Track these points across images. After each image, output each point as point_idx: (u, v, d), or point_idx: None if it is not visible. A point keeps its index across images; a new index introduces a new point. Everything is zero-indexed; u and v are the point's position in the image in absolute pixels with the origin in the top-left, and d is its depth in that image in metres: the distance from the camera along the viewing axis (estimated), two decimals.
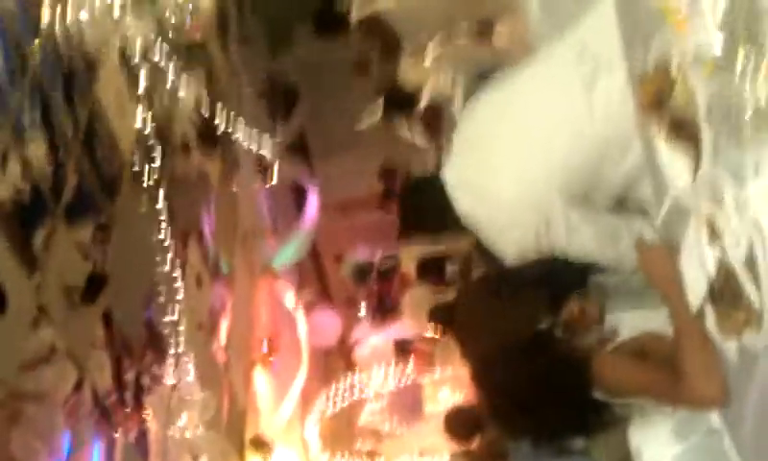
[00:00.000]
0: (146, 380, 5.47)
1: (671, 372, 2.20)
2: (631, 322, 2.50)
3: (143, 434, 5.34)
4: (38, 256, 4.20)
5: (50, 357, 4.37)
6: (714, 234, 1.97)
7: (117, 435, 4.83)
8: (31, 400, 4.08)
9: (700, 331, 2.12)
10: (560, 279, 2.81)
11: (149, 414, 5.42)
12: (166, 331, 5.71)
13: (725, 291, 1.97)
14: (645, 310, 2.52)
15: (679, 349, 2.19)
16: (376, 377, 9.37)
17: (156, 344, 5.66)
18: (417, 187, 3.83)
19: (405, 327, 9.39)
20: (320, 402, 9.00)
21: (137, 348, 5.32)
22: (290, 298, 8.82)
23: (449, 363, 8.42)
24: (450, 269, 7.14)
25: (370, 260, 8.85)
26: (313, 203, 9.40)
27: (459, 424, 6.22)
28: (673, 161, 2.11)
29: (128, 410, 5.11)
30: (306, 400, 8.97)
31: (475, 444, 6.24)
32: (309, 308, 9.41)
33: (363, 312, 9.59)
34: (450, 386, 8.75)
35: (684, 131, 2.05)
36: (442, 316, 6.47)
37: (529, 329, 2.49)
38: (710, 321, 2.08)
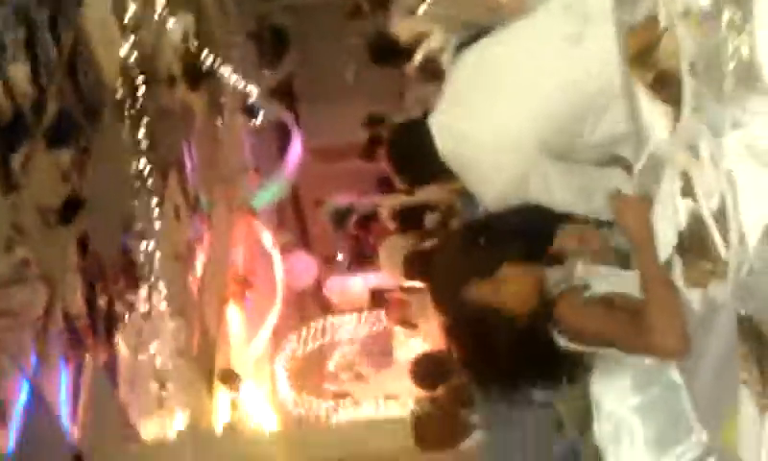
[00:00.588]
0: (118, 307, 5.55)
1: (636, 322, 2.24)
2: (603, 279, 2.54)
3: (113, 360, 5.42)
4: (16, 176, 4.25)
5: (22, 277, 4.44)
6: (688, 186, 2.01)
7: (86, 359, 4.90)
8: (1, 319, 4.14)
9: (666, 282, 2.16)
10: (538, 230, 2.85)
11: (119, 340, 5.51)
12: (141, 260, 5.77)
13: (694, 242, 2.01)
14: (618, 271, 2.59)
15: (645, 297, 2.23)
16: (349, 322, 9.46)
17: (131, 271, 5.72)
18: (405, 132, 3.89)
19: (382, 277, 9.48)
20: (291, 342, 9.10)
21: (111, 274, 5.38)
22: (268, 238, 8.89)
23: (424, 316, 8.50)
24: (430, 218, 7.13)
25: (349, 205, 8.87)
26: (296, 146, 9.44)
27: (425, 370, 6.24)
28: (654, 113, 2.16)
29: (98, 335, 5.19)
30: (278, 339, 9.07)
31: (441, 390, 6.31)
32: (286, 250, 9.48)
33: (340, 257, 9.65)
34: (422, 336, 8.85)
35: (667, 83, 2.09)
36: (417, 264, 6.50)
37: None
38: (677, 272, 2.12)
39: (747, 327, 1.90)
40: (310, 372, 9.94)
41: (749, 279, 1.91)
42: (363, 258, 9.60)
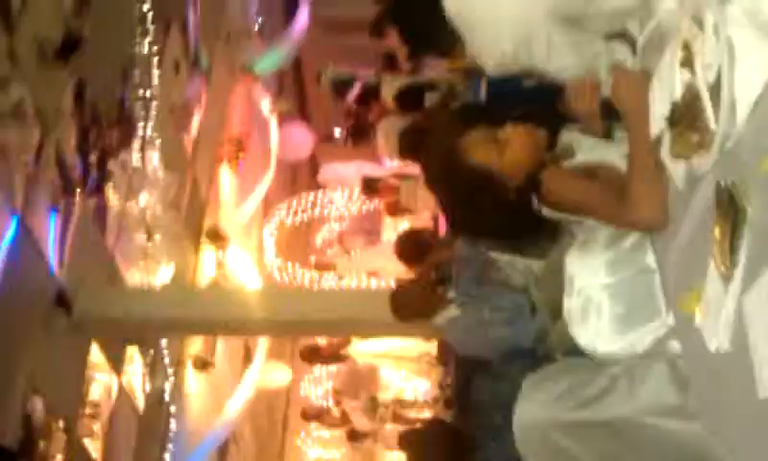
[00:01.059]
0: (111, 155, 5.53)
1: (617, 192, 2.26)
2: (589, 149, 2.57)
3: (102, 207, 5.44)
4: (16, 10, 4.17)
5: (17, 114, 4.41)
6: (688, 57, 1.98)
7: (76, 204, 4.92)
8: None
9: (653, 157, 2.17)
10: (533, 121, 2.83)
11: (110, 188, 5.51)
12: (137, 110, 5.73)
13: (685, 114, 1.99)
14: (606, 141, 2.61)
15: (629, 170, 2.25)
16: (340, 198, 9.48)
17: (126, 121, 5.69)
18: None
19: (375, 167, 9.47)
20: (281, 211, 9.13)
21: (106, 122, 5.35)
22: (266, 104, 8.82)
23: (413, 202, 8.53)
24: (430, 97, 7.08)
25: (352, 75, 8.76)
26: (304, 14, 9.27)
27: (409, 244, 6.30)
28: None
29: (89, 181, 5.19)
30: (268, 206, 9.11)
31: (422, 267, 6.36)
32: (284, 119, 9.42)
33: (337, 132, 9.60)
34: (410, 221, 8.91)
35: None
36: (412, 139, 6.48)
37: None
38: (665, 146, 2.11)
39: (725, 201, 1.88)
40: (297, 242, 10.03)
41: (731, 152, 1.90)
42: (360, 135, 9.54)
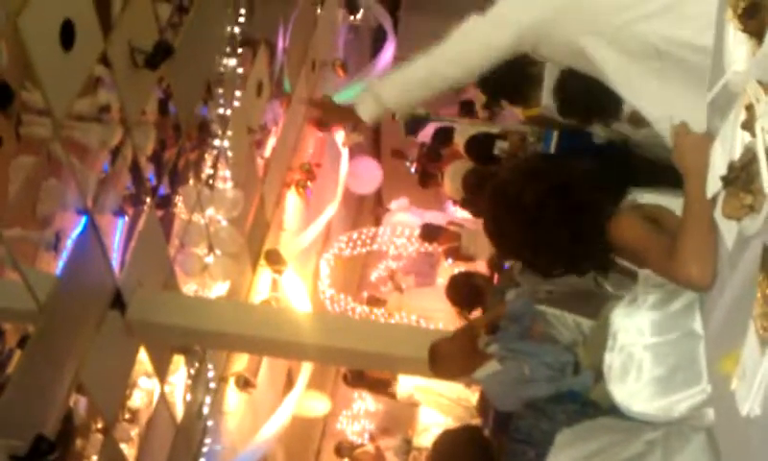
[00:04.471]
0: (184, 167, 5.63)
1: (671, 244, 2.26)
2: (651, 198, 2.59)
3: (170, 216, 5.53)
4: (115, 15, 4.28)
5: (102, 116, 4.51)
6: (750, 119, 1.99)
7: (145, 209, 5.00)
8: (74, 151, 4.22)
9: (707, 215, 2.17)
10: (601, 177, 2.83)
11: (179, 198, 5.60)
12: (215, 125, 5.82)
13: (741, 175, 1.99)
14: (666, 195, 2.63)
15: (682, 226, 2.25)
16: (399, 238, 9.50)
17: (203, 135, 5.79)
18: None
19: (437, 215, 9.49)
20: (340, 242, 9.17)
21: (185, 134, 5.45)
22: (340, 135, 8.90)
23: (473, 249, 8.50)
24: (500, 147, 7.10)
25: (427, 114, 8.81)
26: (389, 51, 9.37)
27: (461, 287, 6.27)
28: (737, 45, 2.11)
29: (160, 190, 5.28)
30: (329, 235, 9.16)
31: (474, 314, 6.33)
32: (355, 152, 9.49)
33: (408, 165, 9.62)
34: (467, 267, 8.87)
35: (756, 15, 2.04)
36: (476, 179, 6.48)
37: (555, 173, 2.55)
38: (719, 206, 2.11)
39: None
40: (352, 275, 10.06)
41: None
42: (428, 177, 9.57)
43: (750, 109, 2.01)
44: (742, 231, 2.04)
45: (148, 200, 5.03)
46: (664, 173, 2.70)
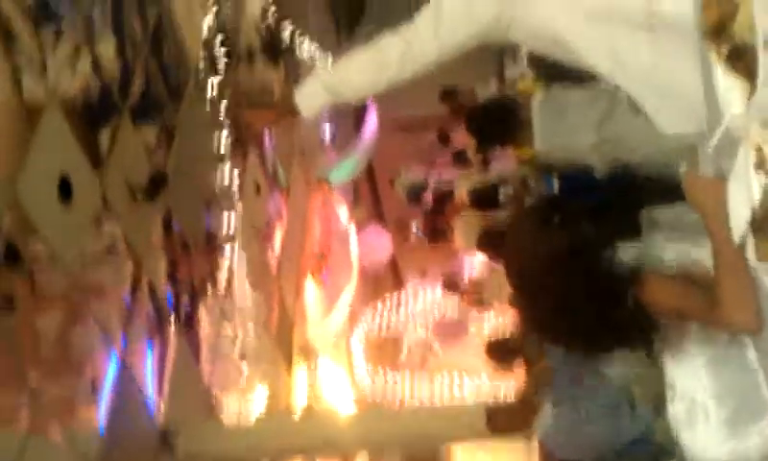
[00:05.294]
0: (200, 283, 5.60)
1: (709, 296, 2.24)
2: (677, 254, 2.54)
3: (195, 335, 5.48)
4: (104, 152, 4.30)
5: (111, 253, 4.50)
6: (762, 161, 2.00)
7: (171, 335, 4.96)
8: (92, 294, 4.20)
9: (739, 260, 2.16)
10: (611, 210, 2.80)
11: (202, 316, 5.56)
12: (223, 236, 5.81)
13: (766, 218, 2.01)
14: (693, 245, 2.56)
15: (717, 275, 2.23)
16: (423, 294, 9.47)
17: (213, 247, 5.78)
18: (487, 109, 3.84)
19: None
20: (366, 317, 9.12)
21: (195, 250, 5.43)
22: (344, 213, 8.90)
23: (498, 295, 8.46)
24: (503, 193, 7.15)
25: (424, 181, 8.87)
26: (373, 121, 9.41)
27: (498, 352, 6.36)
28: (729, 89, 2.10)
29: (182, 311, 5.25)
30: (353, 314, 9.10)
31: (515, 369, 6.33)
32: (361, 226, 9.49)
33: (415, 230, 9.63)
34: (496, 312, 8.82)
35: (742, 58, 2.05)
36: (491, 241, 6.52)
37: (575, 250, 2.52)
38: (749, 247, 2.11)
39: None
40: (386, 345, 9.98)
41: None
42: (437, 235, 9.61)
43: (759, 150, 2.02)
44: None
45: (171, 324, 4.99)
46: (673, 187, 2.67)
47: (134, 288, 4.65)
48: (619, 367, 3.44)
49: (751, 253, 2.12)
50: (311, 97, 2.97)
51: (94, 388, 4.11)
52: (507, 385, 6.92)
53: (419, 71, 2.89)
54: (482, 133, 5.73)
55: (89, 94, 4.35)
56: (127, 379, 4.32)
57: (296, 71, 7.97)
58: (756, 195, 2.03)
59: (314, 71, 3.05)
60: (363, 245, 9.32)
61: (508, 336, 6.73)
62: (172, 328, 4.99)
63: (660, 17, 2.64)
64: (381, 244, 9.98)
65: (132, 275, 4.62)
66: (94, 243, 4.32)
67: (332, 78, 2.95)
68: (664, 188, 3.01)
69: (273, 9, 7.19)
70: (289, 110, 3.02)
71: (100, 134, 4.36)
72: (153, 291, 4.87)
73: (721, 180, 2.21)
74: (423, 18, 2.89)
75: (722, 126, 2.18)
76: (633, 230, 2.69)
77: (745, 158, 2.06)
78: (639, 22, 2.67)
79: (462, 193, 8.31)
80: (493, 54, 7.20)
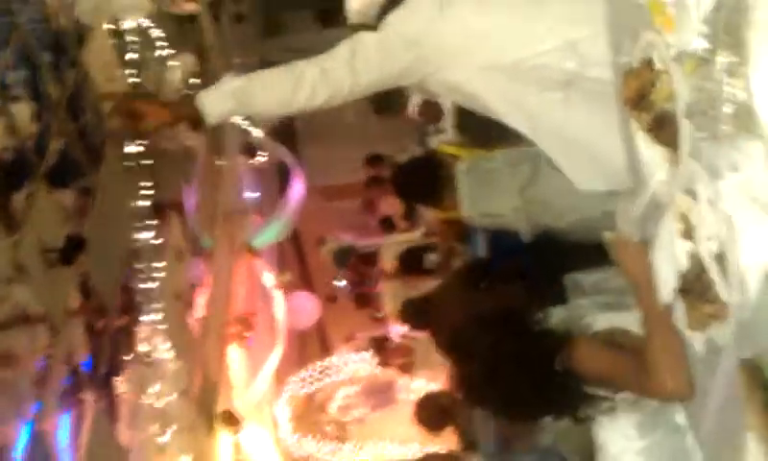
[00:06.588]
0: (120, 348, 5.48)
1: (639, 363, 2.24)
2: (605, 321, 2.54)
3: (114, 401, 5.34)
4: (18, 216, 4.20)
5: (23, 320, 4.37)
6: (688, 228, 1.99)
7: (87, 402, 4.82)
8: (2, 362, 4.07)
9: (668, 325, 2.15)
10: (537, 273, 2.83)
11: (121, 381, 5.42)
12: (142, 299, 5.71)
13: (695, 285, 1.98)
14: (619, 312, 2.57)
15: (647, 342, 2.23)
16: (351, 361, 9.41)
17: (132, 311, 5.67)
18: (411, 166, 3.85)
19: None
20: (292, 383, 9.02)
21: (113, 315, 5.32)
22: (269, 277, 8.83)
23: (427, 364, 8.45)
24: (430, 259, 7.18)
25: (351, 245, 8.88)
26: (297, 185, 9.41)
27: (429, 412, 6.25)
28: (652, 157, 2.14)
29: (99, 377, 5.11)
30: (279, 379, 8.99)
31: (444, 434, 6.27)
32: (288, 290, 9.42)
33: (342, 284, 9.62)
34: (425, 377, 8.80)
35: (664, 126, 2.08)
36: (414, 310, 6.52)
37: (504, 316, 2.53)
38: (679, 314, 2.10)
39: (749, 371, 1.88)
40: (312, 413, 9.85)
41: (750, 323, 1.88)
42: (364, 300, 9.63)
43: (684, 218, 2.02)
44: (712, 339, 2.02)
45: (88, 391, 4.86)
46: (596, 252, 2.71)
47: (49, 355, 4.52)
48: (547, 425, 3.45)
49: (681, 319, 2.11)
50: (217, 100, 2.92)
51: (4, 458, 3.98)
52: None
53: (331, 100, 2.90)
54: (406, 190, 5.77)
55: (4, 157, 4.28)
56: (39, 448, 4.17)
57: (219, 133, 7.94)
58: (684, 261, 2.03)
59: (224, 78, 3.01)
60: (290, 309, 9.24)
61: (439, 395, 6.67)
62: (89, 396, 4.85)
63: (584, 79, 2.71)
64: (308, 308, 9.91)
65: (48, 340, 4.50)
66: (5, 311, 4.21)
67: (243, 86, 2.92)
68: (589, 253, 3.04)
69: (195, 72, 7.16)
70: (189, 113, 2.95)
71: (14, 197, 4.27)
72: (69, 358, 4.74)
73: (648, 244, 2.24)
74: (342, 51, 2.91)
75: (646, 194, 2.21)
76: (558, 295, 2.71)
77: (670, 225, 2.08)
78: (558, 81, 2.74)
79: (388, 258, 8.35)
80: (417, 124, 7.31)
